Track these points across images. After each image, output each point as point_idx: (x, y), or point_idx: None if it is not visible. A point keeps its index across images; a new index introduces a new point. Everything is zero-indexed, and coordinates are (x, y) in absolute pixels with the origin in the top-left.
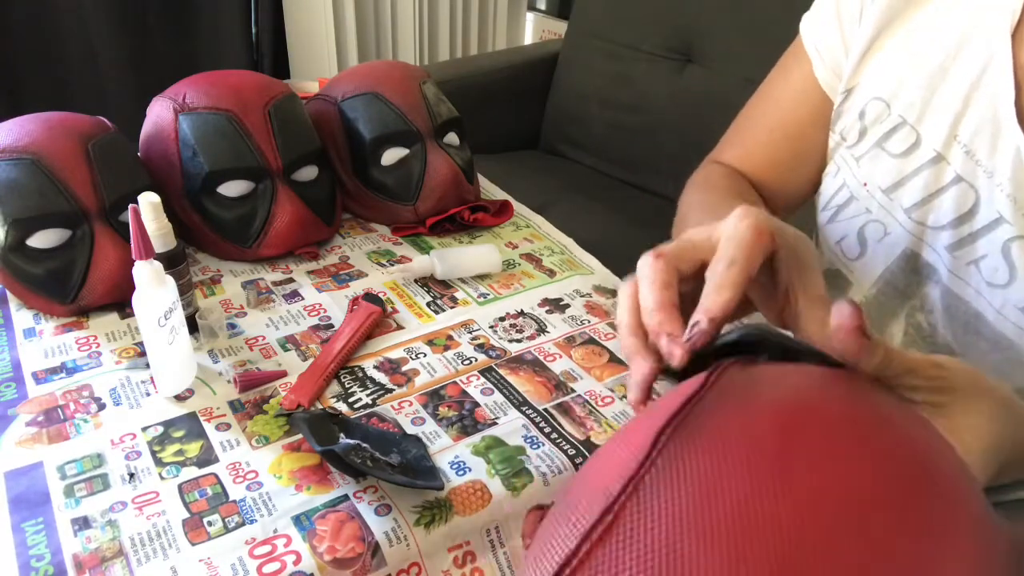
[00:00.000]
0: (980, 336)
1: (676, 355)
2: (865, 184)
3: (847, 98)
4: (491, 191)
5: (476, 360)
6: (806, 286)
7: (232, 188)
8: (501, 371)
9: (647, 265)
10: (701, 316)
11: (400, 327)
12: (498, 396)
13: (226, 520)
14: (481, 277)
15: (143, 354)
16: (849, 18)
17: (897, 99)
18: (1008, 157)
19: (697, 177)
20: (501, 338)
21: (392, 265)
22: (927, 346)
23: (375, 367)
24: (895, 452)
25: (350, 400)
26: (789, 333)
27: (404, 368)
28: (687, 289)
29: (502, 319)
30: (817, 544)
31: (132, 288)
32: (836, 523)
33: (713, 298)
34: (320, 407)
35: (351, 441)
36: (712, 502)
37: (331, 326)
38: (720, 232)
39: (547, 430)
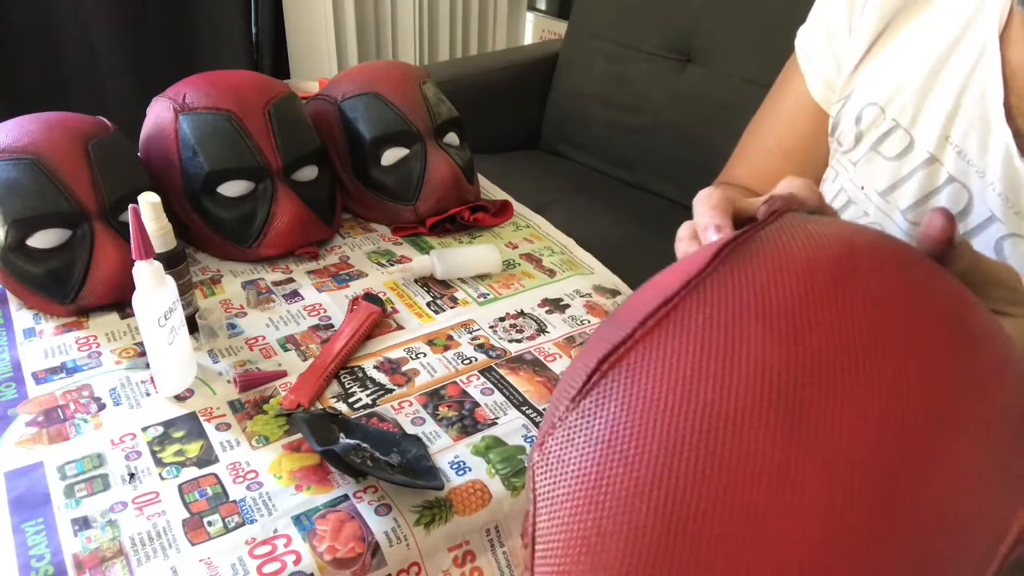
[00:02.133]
0: None
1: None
2: (862, 187)
3: (844, 105)
4: (491, 191)
5: (476, 360)
6: None
7: (232, 188)
8: (501, 371)
9: (707, 191)
10: (770, 196)
11: (400, 327)
12: (498, 396)
13: (226, 520)
14: (481, 277)
15: (143, 354)
16: (839, 33)
17: (891, 103)
18: (998, 155)
19: None
20: (501, 338)
21: (392, 265)
22: None
23: (375, 367)
24: (947, 289)
25: (350, 400)
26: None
27: (404, 368)
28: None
29: (502, 319)
30: (868, 340)
31: (132, 288)
32: (882, 325)
33: (780, 188)
34: (320, 407)
35: (351, 441)
36: (771, 294)
37: (331, 326)
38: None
39: None
